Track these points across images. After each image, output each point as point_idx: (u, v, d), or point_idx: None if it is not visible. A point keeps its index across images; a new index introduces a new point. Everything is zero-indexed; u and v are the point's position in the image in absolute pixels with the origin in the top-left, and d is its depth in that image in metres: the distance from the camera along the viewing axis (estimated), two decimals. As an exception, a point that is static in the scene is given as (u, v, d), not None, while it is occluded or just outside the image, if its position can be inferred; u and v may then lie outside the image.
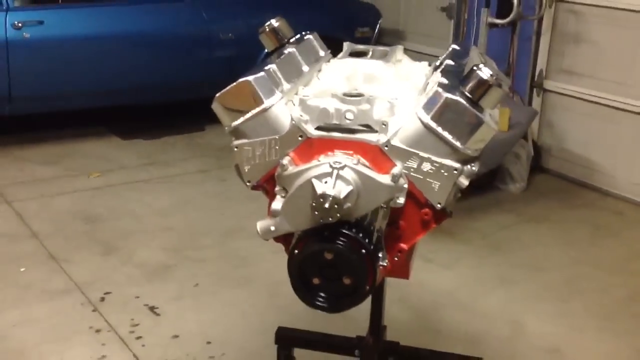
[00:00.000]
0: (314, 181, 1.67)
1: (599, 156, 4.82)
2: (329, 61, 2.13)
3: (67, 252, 3.75)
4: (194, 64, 5.39)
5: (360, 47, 2.06)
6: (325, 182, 1.66)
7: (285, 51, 1.96)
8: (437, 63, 2.07)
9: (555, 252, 3.97)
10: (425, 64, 2.13)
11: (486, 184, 4.71)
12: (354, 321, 2.76)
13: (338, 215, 1.65)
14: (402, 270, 2.09)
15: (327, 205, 1.64)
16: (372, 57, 2.00)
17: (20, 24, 4.78)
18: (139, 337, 3.06)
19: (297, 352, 2.82)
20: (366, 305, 2.47)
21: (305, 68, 1.97)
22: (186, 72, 5.40)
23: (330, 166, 1.68)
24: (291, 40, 2.08)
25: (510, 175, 4.75)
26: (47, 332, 3.07)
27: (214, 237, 3.98)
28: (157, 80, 5.36)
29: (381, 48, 2.06)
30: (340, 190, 1.65)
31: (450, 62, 1.91)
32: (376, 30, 6.08)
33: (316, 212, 1.66)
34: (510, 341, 3.13)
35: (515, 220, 4.37)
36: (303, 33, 2.16)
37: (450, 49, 2.07)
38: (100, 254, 3.77)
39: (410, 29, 6.32)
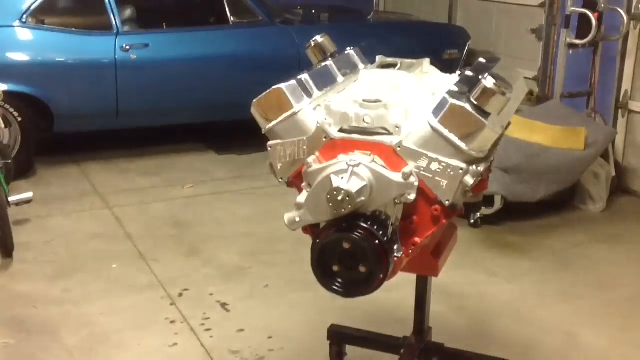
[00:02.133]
0: (332, 176, 1.88)
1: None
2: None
3: (155, 253, 4.11)
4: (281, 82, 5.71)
5: (390, 59, 2.26)
6: (342, 178, 1.86)
7: (323, 63, 2.19)
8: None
9: (624, 272, 3.94)
10: (455, 75, 2.29)
11: (565, 203, 4.72)
12: (404, 323, 2.93)
13: (350, 207, 1.84)
14: (431, 268, 2.26)
15: (339, 198, 1.83)
16: (400, 69, 2.19)
17: (128, 47, 5.28)
18: (208, 329, 3.33)
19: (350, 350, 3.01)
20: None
21: (340, 78, 2.19)
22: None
23: (347, 164, 1.88)
24: (334, 55, 2.31)
25: (590, 195, 4.72)
26: (129, 321, 3.40)
27: (288, 245, 4.22)
28: (250, 99, 5.70)
29: (409, 60, 2.24)
30: (354, 184, 1.84)
31: (470, 73, 2.06)
32: (464, 52, 6.19)
33: (330, 204, 1.86)
34: (562, 351, 3.17)
35: (589, 239, 4.35)
36: (347, 48, 2.38)
37: (477, 62, 2.22)
38: (184, 255, 4.11)
39: (500, 51, 6.39)
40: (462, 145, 1.85)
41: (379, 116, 1.92)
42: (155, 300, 3.60)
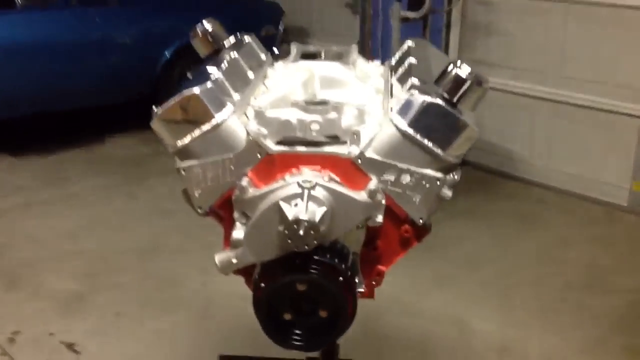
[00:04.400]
0: (282, 204, 1.45)
1: (516, 145, 4.84)
2: (272, 65, 1.91)
3: (-37, 290, 3.35)
4: (88, 70, 5.01)
5: (311, 47, 1.85)
6: (296, 205, 1.45)
7: (227, 57, 1.73)
8: (393, 62, 1.89)
9: (485, 247, 3.92)
10: (377, 63, 1.95)
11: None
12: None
13: (315, 242, 1.44)
14: (368, 289, 1.91)
15: (301, 232, 1.42)
16: (326, 59, 1.79)
17: None
18: (59, 381, 2.73)
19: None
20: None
21: (250, 74, 1.75)
22: (80, 80, 5.01)
23: (300, 185, 1.47)
24: (227, 44, 1.85)
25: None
26: (-50, 386, 2.70)
27: (130, 259, 3.67)
28: (48, 89, 4.94)
29: (334, 49, 1.86)
30: (314, 212, 1.44)
31: (413, 60, 1.73)
32: (280, 28, 5.88)
33: (289, 241, 1.44)
34: (460, 343, 3.04)
35: (443, 216, 4.26)
36: (238, 35, 1.93)
37: (406, 46, 1.90)
38: (3, 288, 3.38)
39: (316, 27, 6.17)
40: (439, 150, 1.51)
41: (330, 122, 1.53)
42: (-20, 353, 2.90)
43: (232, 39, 1.88)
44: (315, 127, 1.53)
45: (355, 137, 1.52)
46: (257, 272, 1.58)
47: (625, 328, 3.16)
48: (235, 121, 1.54)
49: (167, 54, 5.20)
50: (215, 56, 1.81)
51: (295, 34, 6.15)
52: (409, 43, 1.90)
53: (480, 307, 3.30)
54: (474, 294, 3.43)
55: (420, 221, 1.57)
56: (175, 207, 4.18)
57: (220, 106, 1.54)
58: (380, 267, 1.64)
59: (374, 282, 1.65)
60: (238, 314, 3.10)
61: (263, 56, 1.91)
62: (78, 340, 2.99)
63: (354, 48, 1.85)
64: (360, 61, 1.86)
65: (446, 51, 4.95)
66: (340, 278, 1.52)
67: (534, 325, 3.18)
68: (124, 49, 5.07)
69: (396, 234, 1.59)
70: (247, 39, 1.91)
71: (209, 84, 1.54)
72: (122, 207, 4.29)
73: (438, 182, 1.53)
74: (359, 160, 1.52)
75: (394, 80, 1.75)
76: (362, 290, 1.62)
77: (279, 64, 1.87)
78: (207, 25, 1.85)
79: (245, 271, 1.60)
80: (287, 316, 1.55)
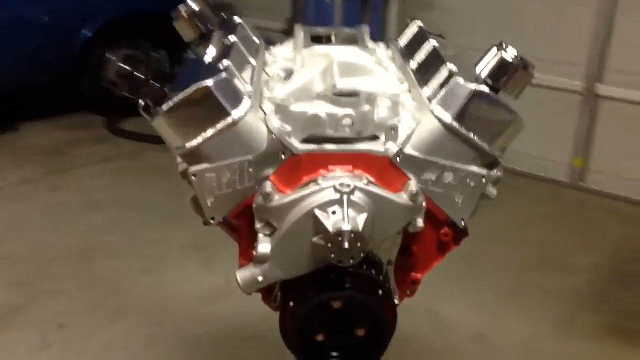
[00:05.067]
0: (318, 213, 1.26)
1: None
2: (269, 50, 1.70)
3: None
4: (1, 51, 4.55)
5: (320, 30, 1.65)
6: (334, 213, 1.26)
7: (225, 41, 1.50)
8: (401, 45, 1.72)
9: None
10: (381, 45, 1.77)
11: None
12: (259, 340, 2.41)
13: (362, 255, 1.26)
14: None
15: (347, 245, 1.23)
16: (337, 42, 1.60)
17: None
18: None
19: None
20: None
21: (253, 62, 1.53)
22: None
23: (337, 190, 1.28)
24: (213, 27, 1.63)
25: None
26: None
27: (66, 262, 3.34)
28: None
29: (346, 30, 1.66)
30: (357, 221, 1.26)
31: (435, 43, 1.56)
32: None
33: (332, 255, 1.25)
34: (436, 334, 2.93)
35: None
36: (225, 17, 1.71)
37: (416, 26, 1.72)
38: None
39: (245, 2, 5.88)
40: (485, 145, 1.36)
41: (363, 115, 1.34)
42: None
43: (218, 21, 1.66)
44: (347, 122, 1.34)
45: (392, 132, 1.34)
46: (280, 288, 1.39)
47: (590, 307, 3.15)
48: (255, 118, 1.33)
49: (88, 33, 4.81)
50: (199, 41, 1.59)
51: (223, 9, 5.86)
52: (419, 23, 1.74)
53: (448, 295, 3.20)
54: (440, 281, 3.30)
55: (462, 223, 1.41)
56: (106, 199, 3.90)
57: (237, 101, 1.32)
58: (416, 275, 1.48)
59: (408, 292, 1.49)
60: (192, 317, 2.90)
61: (257, 40, 1.70)
62: (20, 359, 2.68)
63: (366, 29, 1.65)
64: (372, 45, 1.67)
65: (386, 27, 4.83)
66: (380, 292, 1.35)
67: (503, 311, 3.11)
68: (41, 27, 4.65)
69: (434, 238, 1.43)
70: (237, 20, 1.68)
71: (223, 76, 1.31)
72: (47, 203, 3.92)
73: (483, 180, 1.38)
74: (398, 159, 1.34)
75: (412, 65, 1.58)
76: (397, 302, 1.45)
77: (281, 49, 1.66)
78: (193, 5, 1.62)
79: (265, 288, 1.40)
80: (320, 337, 1.37)
